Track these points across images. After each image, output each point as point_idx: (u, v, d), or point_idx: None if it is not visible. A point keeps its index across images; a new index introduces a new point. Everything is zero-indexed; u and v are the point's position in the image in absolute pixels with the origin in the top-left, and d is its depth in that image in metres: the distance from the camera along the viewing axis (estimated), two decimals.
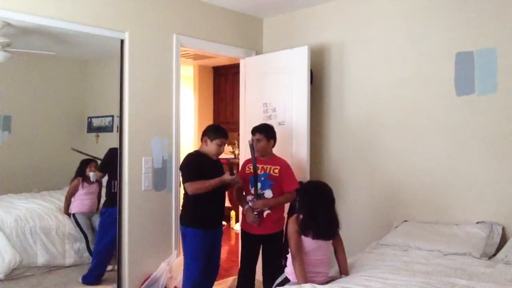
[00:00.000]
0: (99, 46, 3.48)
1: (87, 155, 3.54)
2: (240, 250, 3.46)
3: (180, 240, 3.34)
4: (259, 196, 3.22)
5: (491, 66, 3.10)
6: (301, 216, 2.66)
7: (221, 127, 3.30)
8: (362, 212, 3.76)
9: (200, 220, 3.11)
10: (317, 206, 2.64)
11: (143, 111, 3.52)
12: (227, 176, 3.08)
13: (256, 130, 3.34)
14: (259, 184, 3.24)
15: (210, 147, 3.16)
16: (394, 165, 3.59)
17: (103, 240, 3.52)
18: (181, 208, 3.28)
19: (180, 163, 3.35)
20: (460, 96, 3.24)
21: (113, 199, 3.44)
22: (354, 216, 3.79)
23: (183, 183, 3.12)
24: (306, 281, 2.50)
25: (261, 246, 3.33)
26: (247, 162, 3.43)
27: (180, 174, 3.25)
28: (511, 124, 3.04)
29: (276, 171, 3.27)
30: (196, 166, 3.10)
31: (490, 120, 3.12)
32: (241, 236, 3.45)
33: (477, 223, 3.11)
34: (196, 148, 3.34)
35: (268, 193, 3.24)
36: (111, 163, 3.47)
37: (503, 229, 3.03)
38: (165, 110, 3.68)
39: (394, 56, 3.60)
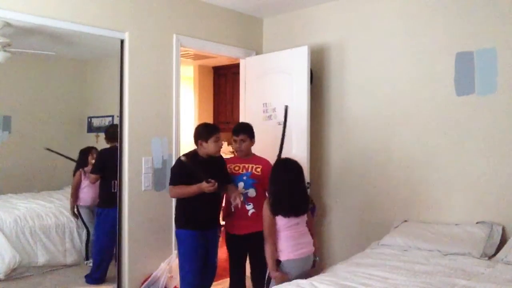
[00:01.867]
0: (99, 46, 3.48)
1: (63, 155, 3.43)
2: (228, 253, 3.37)
3: None
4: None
5: (491, 66, 3.10)
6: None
7: (208, 123, 3.30)
8: (362, 211, 3.75)
9: (190, 221, 3.07)
10: (282, 184, 2.70)
11: (143, 111, 3.52)
12: (204, 185, 2.97)
13: (240, 131, 3.27)
14: (242, 184, 3.22)
15: (208, 147, 3.10)
16: (394, 164, 3.59)
17: (100, 240, 3.53)
18: (174, 210, 3.27)
19: None
20: (460, 96, 3.24)
21: (109, 200, 3.43)
22: (354, 216, 3.79)
23: (169, 185, 3.13)
24: (274, 262, 2.68)
25: (248, 246, 3.26)
26: (228, 161, 3.36)
27: None
28: (511, 124, 3.05)
29: (259, 169, 3.24)
30: (183, 170, 3.05)
31: (490, 120, 3.12)
32: (226, 239, 3.36)
33: (477, 223, 3.11)
34: (195, 148, 3.25)
35: (252, 192, 3.22)
36: (104, 163, 3.47)
37: (503, 229, 3.03)
38: (165, 110, 3.68)
39: (394, 56, 3.60)
